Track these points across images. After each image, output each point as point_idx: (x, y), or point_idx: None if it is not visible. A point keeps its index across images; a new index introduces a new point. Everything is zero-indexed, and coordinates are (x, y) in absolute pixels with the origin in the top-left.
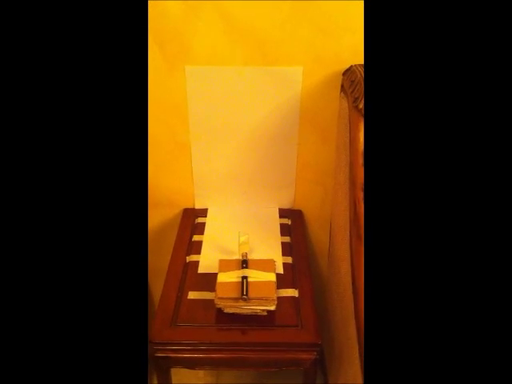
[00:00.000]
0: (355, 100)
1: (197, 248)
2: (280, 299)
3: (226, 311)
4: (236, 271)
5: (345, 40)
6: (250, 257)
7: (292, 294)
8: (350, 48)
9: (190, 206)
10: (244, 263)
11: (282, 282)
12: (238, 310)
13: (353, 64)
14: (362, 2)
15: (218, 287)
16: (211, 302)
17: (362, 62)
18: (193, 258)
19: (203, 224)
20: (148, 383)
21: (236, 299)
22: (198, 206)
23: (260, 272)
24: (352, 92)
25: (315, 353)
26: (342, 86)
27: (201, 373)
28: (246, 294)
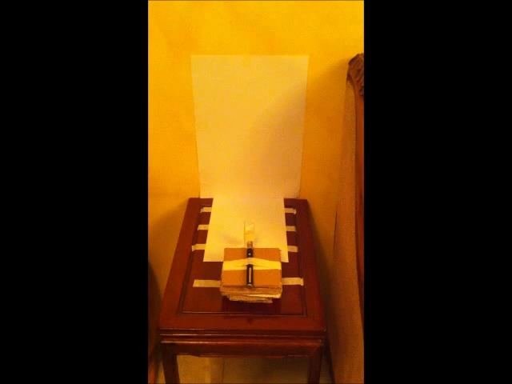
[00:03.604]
0: (361, 89)
1: (202, 237)
2: (285, 288)
3: (231, 299)
4: (241, 260)
5: (351, 28)
6: (255, 246)
7: (297, 283)
8: (357, 36)
9: (195, 195)
10: (249, 252)
11: (287, 270)
12: (243, 298)
13: (359, 53)
14: None
15: (223, 275)
16: (217, 290)
17: None
18: (198, 247)
19: (208, 214)
20: (151, 370)
21: (241, 287)
22: (203, 196)
23: (265, 261)
24: (358, 81)
25: (320, 341)
26: (349, 75)
27: (207, 360)
28: (252, 282)
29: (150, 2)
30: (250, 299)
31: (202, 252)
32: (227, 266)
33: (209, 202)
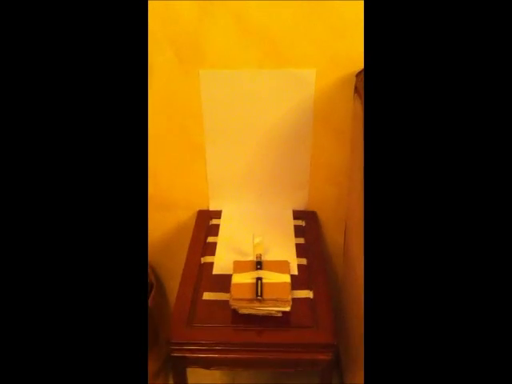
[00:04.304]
0: None
1: (211, 249)
2: (295, 300)
3: (241, 312)
4: (250, 272)
5: (358, 41)
6: (264, 258)
7: (307, 296)
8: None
9: (204, 207)
10: (258, 264)
11: (296, 283)
12: (252, 311)
13: None
14: None
15: (232, 288)
16: (226, 302)
17: None
18: (207, 259)
19: (217, 226)
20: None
21: (251, 300)
22: (212, 208)
23: (274, 273)
24: None
25: (331, 353)
26: (356, 87)
27: (217, 373)
28: (261, 295)
29: (159, 18)
30: (260, 312)
31: (211, 264)
32: (236, 279)
33: (218, 214)
